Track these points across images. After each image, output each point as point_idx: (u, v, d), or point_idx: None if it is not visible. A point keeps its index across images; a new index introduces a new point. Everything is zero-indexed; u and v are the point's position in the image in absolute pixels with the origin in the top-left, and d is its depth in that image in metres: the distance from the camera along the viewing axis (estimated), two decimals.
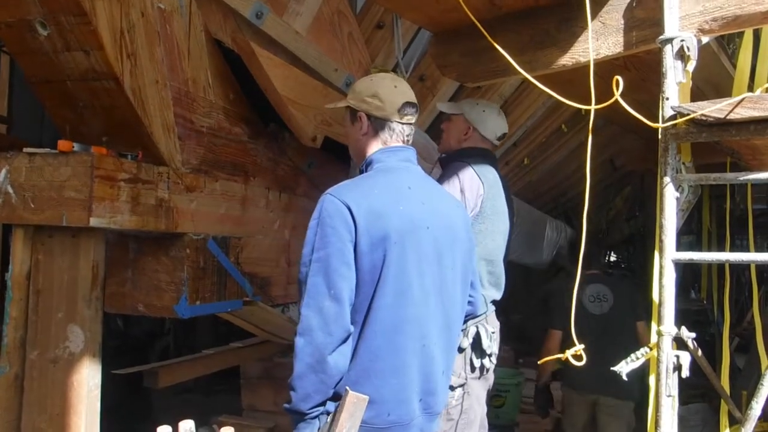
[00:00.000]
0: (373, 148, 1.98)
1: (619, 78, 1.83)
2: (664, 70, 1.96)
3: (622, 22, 2.10)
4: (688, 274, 8.82)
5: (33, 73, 2.01)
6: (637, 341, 3.78)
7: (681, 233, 2.44)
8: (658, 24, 2.02)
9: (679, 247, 1.97)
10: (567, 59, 2.21)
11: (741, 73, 2.69)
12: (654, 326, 2.00)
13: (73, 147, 1.94)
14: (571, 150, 6.39)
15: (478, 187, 2.52)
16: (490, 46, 2.32)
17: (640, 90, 3.12)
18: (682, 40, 1.92)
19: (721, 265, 7.21)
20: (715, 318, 6.99)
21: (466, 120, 2.75)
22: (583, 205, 1.99)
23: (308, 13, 2.87)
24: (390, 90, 1.96)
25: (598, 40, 2.13)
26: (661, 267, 1.95)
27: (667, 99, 1.94)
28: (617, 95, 1.85)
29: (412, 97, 2.00)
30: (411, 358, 1.82)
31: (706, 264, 7.17)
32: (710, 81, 3.39)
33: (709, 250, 7.15)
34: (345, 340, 1.76)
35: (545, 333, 4.22)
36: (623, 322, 4.02)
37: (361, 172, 1.99)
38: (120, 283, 2.40)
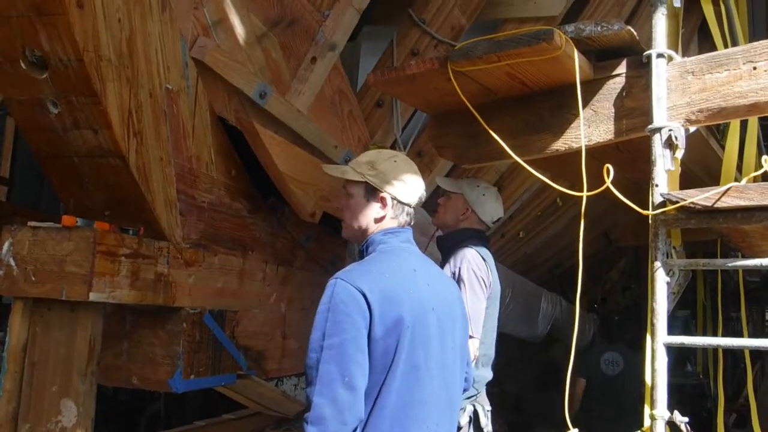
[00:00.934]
0: (376, 228, 1.99)
1: (610, 166, 1.90)
2: (653, 158, 2.03)
3: (613, 110, 2.19)
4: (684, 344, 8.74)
5: (41, 149, 2.07)
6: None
7: (676, 307, 2.46)
8: (647, 113, 2.10)
9: (674, 322, 1.99)
10: (560, 144, 2.28)
11: (729, 157, 2.77)
12: (647, 409, 2.00)
13: (76, 222, 1.98)
14: (566, 223, 6.45)
15: (488, 275, 2.60)
16: (485, 130, 2.41)
17: (632, 170, 3.20)
18: (670, 130, 2.00)
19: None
20: (711, 393, 6.89)
21: (465, 201, 2.81)
22: (577, 282, 2.02)
23: (310, 93, 2.97)
24: (413, 178, 2.01)
25: (590, 127, 2.21)
26: (653, 350, 1.96)
27: (657, 186, 2.01)
28: (608, 183, 1.90)
29: (423, 184, 2.07)
30: None
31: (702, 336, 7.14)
32: (700, 162, 3.48)
33: (704, 324, 7.13)
34: (356, 429, 1.74)
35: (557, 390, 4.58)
36: (632, 383, 4.82)
37: (361, 252, 2.01)
38: (115, 355, 2.40)
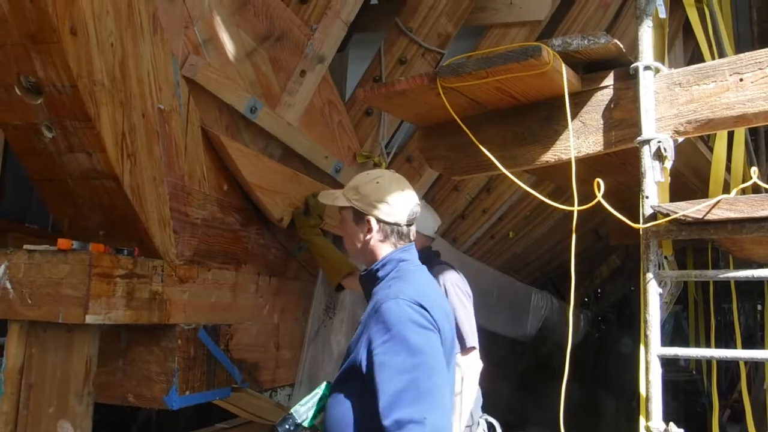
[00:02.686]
0: (386, 248, 2.01)
1: (600, 181, 1.92)
2: (642, 170, 2.06)
3: (602, 122, 2.22)
4: (676, 341, 8.85)
5: (36, 171, 2.07)
6: None
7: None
8: (635, 125, 2.13)
9: (666, 317, 2.02)
10: (550, 156, 2.31)
11: (717, 161, 2.81)
12: (642, 421, 2.03)
13: (72, 245, 1.98)
14: (555, 221, 6.50)
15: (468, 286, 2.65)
16: (475, 142, 2.43)
17: (621, 173, 3.24)
18: (659, 142, 2.03)
19: (708, 335, 7.28)
20: (705, 389, 6.97)
21: None
22: (570, 288, 2.05)
23: (300, 105, 2.98)
24: (398, 196, 2.01)
25: (579, 139, 2.24)
26: (646, 362, 1.99)
27: (647, 198, 2.04)
28: (599, 197, 1.93)
29: (415, 197, 2.05)
30: None
31: (694, 332, 7.22)
32: (689, 165, 3.52)
33: (696, 318, 7.20)
34: None
35: None
36: None
37: (376, 272, 2.00)
38: (110, 373, 2.40)
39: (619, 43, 2.09)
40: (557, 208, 2.11)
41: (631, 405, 7.49)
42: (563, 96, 2.17)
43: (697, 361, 7.45)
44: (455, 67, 2.11)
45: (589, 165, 2.71)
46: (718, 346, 7.33)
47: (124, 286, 2.10)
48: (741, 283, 6.82)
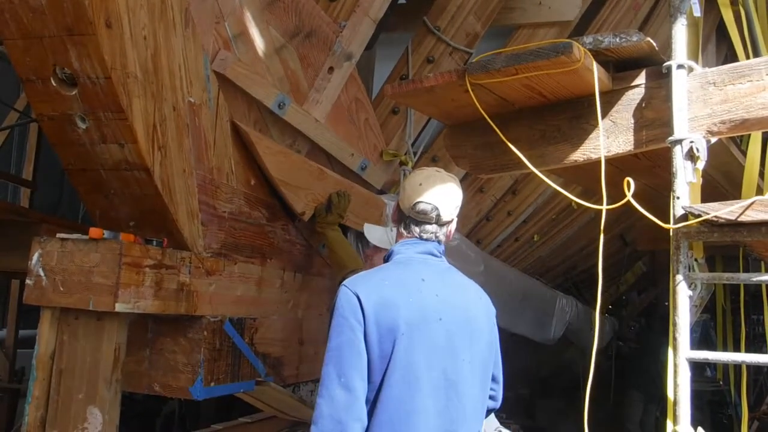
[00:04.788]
0: (398, 238, 2.05)
1: (631, 180, 1.90)
2: (674, 170, 2.04)
3: (632, 121, 2.19)
4: (703, 349, 8.69)
5: (70, 162, 2.11)
6: None
7: None
8: (667, 124, 2.10)
9: (693, 327, 1.99)
10: (578, 155, 2.29)
11: (751, 165, 2.76)
12: (669, 425, 2.00)
13: (103, 234, 2.01)
14: (581, 225, 6.44)
15: None
16: (503, 140, 2.42)
17: (651, 175, 3.20)
18: (691, 142, 2.00)
19: (737, 345, 7.17)
20: (732, 399, 6.84)
21: None
22: (597, 294, 2.02)
23: (327, 102, 3.00)
24: (413, 185, 2.02)
25: (609, 138, 2.22)
26: (675, 366, 1.96)
27: (678, 198, 2.01)
28: (629, 196, 1.91)
29: (432, 198, 1.99)
30: None
31: (721, 342, 7.10)
32: (720, 169, 3.47)
33: (724, 328, 7.08)
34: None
35: None
36: None
37: (386, 261, 2.05)
38: (137, 362, 2.43)
39: (651, 40, 2.07)
40: (586, 207, 2.09)
41: (655, 411, 7.41)
42: (593, 95, 2.15)
43: (725, 372, 7.33)
44: (484, 63, 2.10)
45: (616, 167, 2.68)
46: None
47: (153, 276, 2.13)
48: None
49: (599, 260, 2.02)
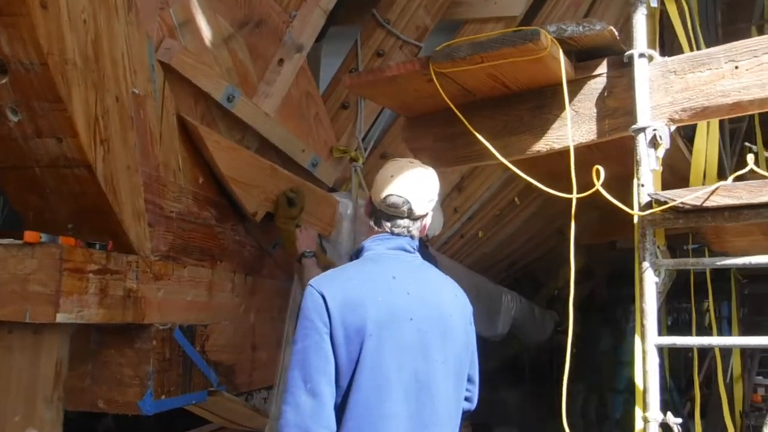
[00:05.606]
0: (368, 233, 1.95)
1: (600, 168, 1.87)
2: (637, 158, 2.02)
3: (595, 110, 2.17)
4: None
5: None
6: None
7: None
8: (629, 113, 2.09)
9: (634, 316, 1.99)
10: (541, 145, 2.26)
11: (698, 155, 2.80)
12: (639, 412, 1.98)
13: (40, 238, 1.83)
14: (523, 221, 6.51)
15: None
16: (465, 132, 2.35)
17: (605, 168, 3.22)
18: (654, 130, 1.99)
19: (670, 329, 7.42)
20: (668, 385, 7.07)
21: None
22: (569, 284, 1.99)
23: (277, 95, 2.87)
24: (384, 177, 1.92)
25: (573, 128, 2.19)
26: (643, 352, 1.95)
27: (643, 186, 2.00)
28: (598, 185, 1.88)
29: (403, 190, 1.90)
30: None
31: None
32: (665, 162, 3.53)
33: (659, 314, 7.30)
34: None
35: None
36: None
37: (351, 259, 1.95)
38: (79, 377, 2.24)
39: (614, 29, 2.05)
40: (555, 196, 2.05)
41: (599, 399, 7.60)
42: (556, 84, 2.13)
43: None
44: (449, 51, 2.03)
45: (568, 160, 2.65)
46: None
47: (97, 282, 1.96)
48: (699, 282, 6.95)
49: (570, 249, 1.99)
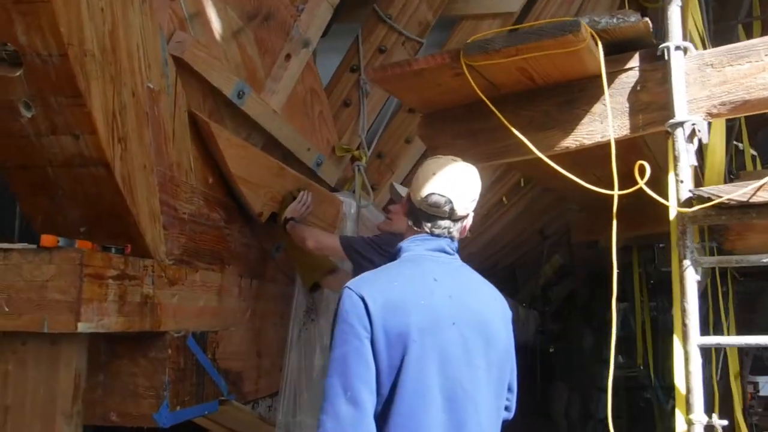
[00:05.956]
0: (406, 233, 1.85)
1: (645, 163, 1.82)
2: (676, 153, 1.98)
3: (627, 105, 2.12)
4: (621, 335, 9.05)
5: (8, 158, 1.77)
6: None
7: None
8: (664, 108, 2.04)
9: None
10: (570, 141, 2.20)
11: (712, 153, 2.78)
12: (679, 415, 1.93)
13: (58, 242, 1.70)
14: (508, 221, 6.48)
15: None
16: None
17: (603, 166, 3.18)
18: (693, 124, 1.94)
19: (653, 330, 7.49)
20: (652, 383, 7.12)
21: None
22: (612, 282, 1.93)
23: (284, 92, 2.77)
24: (426, 175, 1.82)
25: (603, 123, 2.14)
26: (686, 353, 1.89)
27: (682, 182, 1.95)
28: (641, 183, 1.83)
29: (446, 189, 1.79)
30: None
31: (640, 329, 7.40)
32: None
33: (642, 315, 7.38)
34: None
35: None
36: None
37: (391, 258, 1.85)
38: (90, 390, 2.08)
39: (648, 21, 2.00)
40: (597, 192, 1.99)
41: (582, 397, 7.62)
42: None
43: (644, 356, 7.62)
44: (482, 43, 1.96)
45: (572, 159, 2.58)
46: (654, 340, 7.57)
47: (116, 288, 1.83)
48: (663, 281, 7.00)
49: (613, 247, 1.92)
